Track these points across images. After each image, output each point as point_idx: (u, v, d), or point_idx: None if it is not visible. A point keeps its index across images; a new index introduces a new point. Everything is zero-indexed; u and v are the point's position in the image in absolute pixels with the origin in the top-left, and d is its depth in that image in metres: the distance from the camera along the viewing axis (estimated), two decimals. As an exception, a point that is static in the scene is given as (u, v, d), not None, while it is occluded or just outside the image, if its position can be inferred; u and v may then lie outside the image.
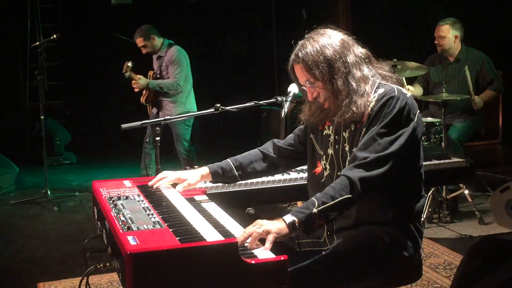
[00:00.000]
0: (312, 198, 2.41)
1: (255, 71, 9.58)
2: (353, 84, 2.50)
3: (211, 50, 9.57)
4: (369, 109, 2.51)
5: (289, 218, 2.36)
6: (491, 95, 5.83)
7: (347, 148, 2.60)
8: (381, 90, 2.53)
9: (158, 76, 6.47)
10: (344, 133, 2.61)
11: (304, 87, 2.64)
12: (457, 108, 5.84)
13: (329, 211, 2.38)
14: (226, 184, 3.27)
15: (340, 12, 8.31)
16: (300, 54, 2.56)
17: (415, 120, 2.51)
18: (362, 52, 2.60)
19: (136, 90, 6.38)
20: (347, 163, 2.57)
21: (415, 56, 6.32)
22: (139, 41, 6.37)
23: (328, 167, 2.68)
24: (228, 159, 2.93)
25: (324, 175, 2.69)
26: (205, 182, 3.23)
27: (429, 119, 5.65)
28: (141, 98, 6.50)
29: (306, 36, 2.61)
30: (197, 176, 2.89)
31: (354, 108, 2.49)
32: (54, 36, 6.39)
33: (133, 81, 6.30)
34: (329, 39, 2.55)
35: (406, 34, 8.09)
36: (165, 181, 2.90)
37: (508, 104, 8.69)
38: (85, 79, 9.21)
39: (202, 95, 7.64)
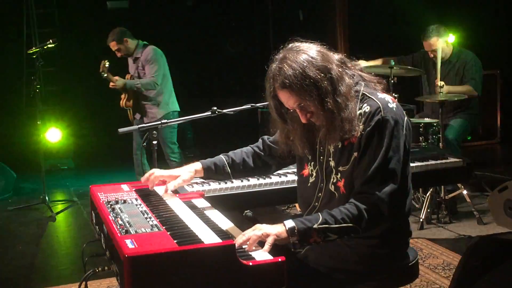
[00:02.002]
0: (319, 213, 2.40)
1: (253, 73, 9.56)
2: (340, 101, 2.40)
3: (208, 52, 9.57)
4: (359, 132, 2.44)
5: (289, 223, 2.35)
6: (460, 91, 5.65)
7: (332, 164, 2.55)
8: (366, 108, 2.45)
9: (136, 78, 6.40)
10: (329, 146, 2.56)
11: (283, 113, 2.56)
12: (452, 107, 5.84)
13: (329, 232, 2.37)
14: (224, 187, 3.26)
15: (337, 13, 8.30)
16: (282, 79, 2.39)
17: (404, 132, 2.47)
18: (338, 58, 2.51)
19: (111, 87, 6.33)
20: (332, 179, 2.55)
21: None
22: (113, 45, 6.31)
23: (314, 174, 2.65)
24: (221, 155, 2.91)
25: (309, 181, 2.67)
26: (202, 185, 3.22)
27: (427, 119, 5.64)
28: (121, 102, 6.44)
29: (278, 56, 2.47)
30: (190, 171, 2.85)
31: (347, 126, 2.41)
32: (51, 41, 6.38)
33: (111, 83, 6.28)
34: (307, 55, 2.40)
35: (403, 34, 8.08)
36: (156, 175, 2.86)
37: (506, 103, 8.70)
38: (82, 84, 9.19)
39: (199, 97, 7.64)
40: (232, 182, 3.30)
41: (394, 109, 2.47)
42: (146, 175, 2.89)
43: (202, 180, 3.21)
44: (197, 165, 2.88)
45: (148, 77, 6.26)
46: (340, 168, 2.52)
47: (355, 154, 2.47)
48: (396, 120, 2.44)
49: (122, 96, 6.44)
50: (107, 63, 6.17)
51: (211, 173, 2.88)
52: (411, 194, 2.66)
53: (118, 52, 6.36)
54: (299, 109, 2.48)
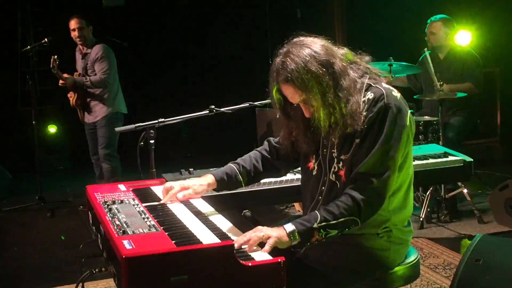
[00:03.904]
0: (316, 211, 2.39)
1: (250, 72, 9.53)
2: (342, 96, 2.39)
3: (205, 51, 9.53)
4: (362, 118, 2.41)
5: (289, 227, 2.34)
6: (461, 89, 5.61)
7: (335, 154, 2.53)
8: (370, 95, 2.44)
9: (83, 76, 6.23)
10: (333, 138, 2.53)
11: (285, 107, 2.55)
12: (452, 105, 5.80)
13: (330, 228, 2.36)
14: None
15: (335, 11, 8.27)
16: (285, 73, 2.39)
17: (407, 123, 2.45)
18: (343, 52, 2.50)
19: (61, 85, 6.16)
20: (333, 169, 2.52)
21: (411, 54, 6.29)
22: (77, 22, 6.10)
23: (316, 167, 2.63)
24: (230, 164, 2.82)
25: (313, 174, 2.64)
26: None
27: (426, 117, 5.61)
28: (71, 101, 6.27)
29: (282, 50, 2.45)
30: (203, 184, 2.74)
31: (348, 121, 2.40)
32: (45, 39, 6.32)
33: (60, 81, 6.10)
34: (310, 50, 2.39)
35: (401, 32, 8.05)
36: (173, 192, 2.74)
37: (506, 102, 8.67)
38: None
39: (196, 97, 7.59)
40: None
41: (398, 97, 2.46)
42: (167, 191, 2.78)
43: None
44: (209, 178, 2.76)
45: (99, 75, 6.11)
46: (342, 157, 2.50)
47: (357, 140, 2.45)
48: (400, 108, 2.43)
49: (70, 95, 6.26)
50: (57, 59, 5.98)
51: (224, 184, 2.78)
52: (412, 191, 2.63)
53: (76, 31, 6.11)
54: (303, 103, 2.47)
